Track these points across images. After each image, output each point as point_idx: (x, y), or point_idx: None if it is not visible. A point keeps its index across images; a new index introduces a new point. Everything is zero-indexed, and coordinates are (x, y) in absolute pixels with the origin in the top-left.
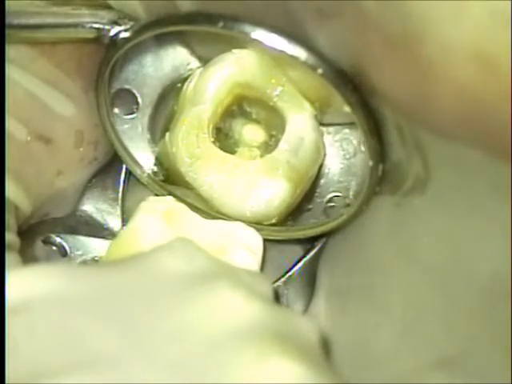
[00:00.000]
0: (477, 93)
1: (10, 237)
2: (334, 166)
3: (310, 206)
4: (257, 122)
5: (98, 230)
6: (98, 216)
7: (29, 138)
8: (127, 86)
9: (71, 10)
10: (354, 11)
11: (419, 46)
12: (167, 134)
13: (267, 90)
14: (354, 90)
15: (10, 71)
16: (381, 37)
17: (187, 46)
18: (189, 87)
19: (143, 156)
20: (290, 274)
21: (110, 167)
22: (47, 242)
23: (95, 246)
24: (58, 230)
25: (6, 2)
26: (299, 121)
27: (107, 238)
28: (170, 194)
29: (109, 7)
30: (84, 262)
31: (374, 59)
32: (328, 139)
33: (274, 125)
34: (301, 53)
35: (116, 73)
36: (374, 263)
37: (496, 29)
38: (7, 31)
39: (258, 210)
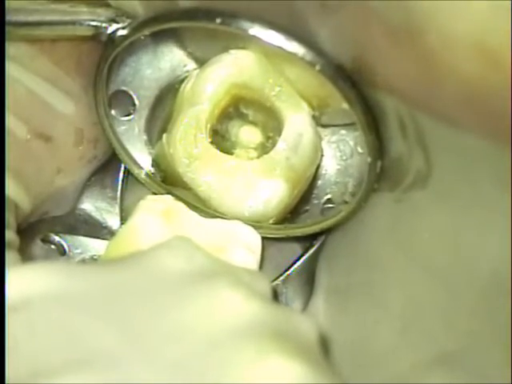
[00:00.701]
0: (479, 82)
1: (10, 235)
2: (330, 167)
3: (307, 207)
4: (253, 123)
5: (96, 228)
6: (96, 214)
7: (29, 136)
8: (124, 88)
9: (69, 8)
10: (357, 5)
11: (422, 38)
12: (164, 135)
13: (265, 90)
14: (352, 86)
15: (10, 69)
16: (384, 29)
17: (184, 47)
18: (186, 88)
19: (140, 158)
20: (288, 272)
21: (109, 166)
22: (46, 240)
23: (94, 245)
24: (57, 228)
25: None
26: (297, 120)
27: (106, 237)
28: (168, 192)
29: (107, 5)
30: (83, 261)
31: (377, 51)
32: (325, 140)
33: (271, 126)
34: (299, 49)
35: (113, 74)
36: (373, 260)
37: (496, 20)
38: (6, 28)
39: (255, 210)
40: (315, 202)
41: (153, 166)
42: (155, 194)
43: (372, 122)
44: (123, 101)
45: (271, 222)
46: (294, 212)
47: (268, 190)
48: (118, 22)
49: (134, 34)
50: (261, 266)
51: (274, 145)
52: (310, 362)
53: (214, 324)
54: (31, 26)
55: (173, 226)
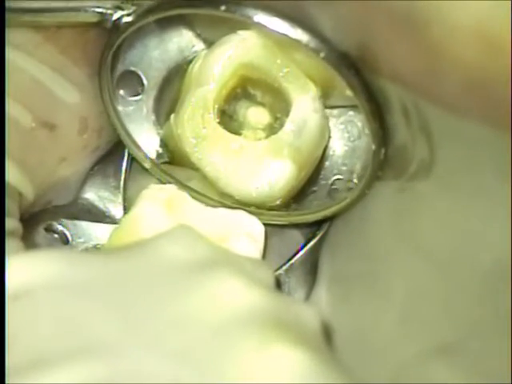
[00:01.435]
0: (480, 70)
1: (13, 223)
2: (338, 148)
3: (315, 189)
4: (261, 104)
5: (99, 217)
6: (99, 204)
7: (33, 125)
8: (132, 68)
9: None
10: None
11: (425, 27)
12: (172, 116)
13: (272, 71)
14: (356, 74)
15: (15, 57)
16: (387, 18)
17: (192, 28)
18: (194, 68)
19: (148, 138)
20: (291, 261)
21: (112, 155)
22: (49, 229)
23: (97, 234)
24: (60, 217)
25: None
26: (304, 102)
27: (109, 226)
28: (172, 178)
29: None
30: (86, 250)
31: (380, 40)
32: (332, 122)
33: (279, 107)
34: (303, 36)
35: (121, 55)
36: (375, 250)
37: (497, 9)
38: (9, 15)
39: (262, 190)
40: (322, 183)
41: (161, 146)
42: (159, 180)
43: (376, 110)
44: (131, 81)
45: (278, 202)
46: (301, 193)
47: (275, 171)
48: (123, 9)
49: (139, 20)
50: (264, 256)
51: (281, 125)
52: (312, 350)
53: (217, 313)
54: (36, 13)
55: (176, 215)
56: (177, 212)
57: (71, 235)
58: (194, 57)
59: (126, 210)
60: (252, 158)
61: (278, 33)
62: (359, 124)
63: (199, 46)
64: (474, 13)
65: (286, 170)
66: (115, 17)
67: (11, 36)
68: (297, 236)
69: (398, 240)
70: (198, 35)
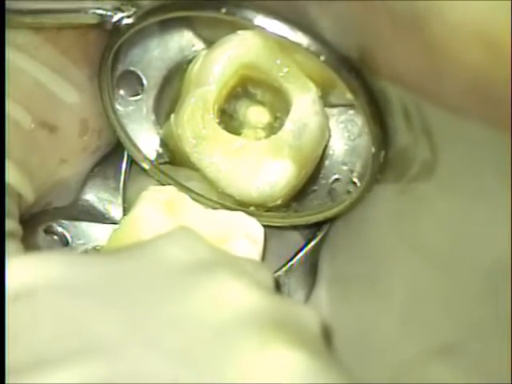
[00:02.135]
0: (481, 71)
1: (12, 224)
2: (338, 147)
3: (315, 188)
4: (261, 103)
5: (99, 219)
6: (99, 205)
7: (33, 126)
8: (132, 68)
9: None
10: None
11: (425, 27)
12: (172, 116)
13: (272, 71)
14: (356, 77)
15: (16, 58)
16: (388, 18)
17: (192, 28)
18: (194, 69)
19: (148, 138)
20: (291, 263)
21: (112, 157)
22: (49, 231)
23: (96, 235)
24: (60, 219)
25: None
26: (304, 102)
27: (109, 228)
28: (172, 180)
29: None
30: (85, 251)
31: (381, 41)
32: (333, 120)
33: (279, 106)
34: (303, 39)
35: (121, 55)
36: (375, 251)
37: (498, 10)
38: (10, 17)
39: (263, 190)
40: (323, 182)
41: (161, 145)
42: (158, 181)
43: (376, 113)
44: (131, 81)
45: (279, 202)
46: (301, 192)
47: (275, 171)
48: (123, 11)
49: (140, 22)
50: (263, 257)
51: (281, 125)
52: (312, 351)
53: (217, 313)
54: (36, 14)
55: (175, 217)
56: (176, 213)
57: (71, 236)
58: (194, 56)
59: (125, 211)
60: (252, 158)
61: (279, 35)
62: (359, 123)
63: (199, 45)
64: (474, 14)
65: (287, 170)
66: (115, 19)
67: (12, 37)
68: (296, 237)
69: (399, 241)
70: (198, 35)
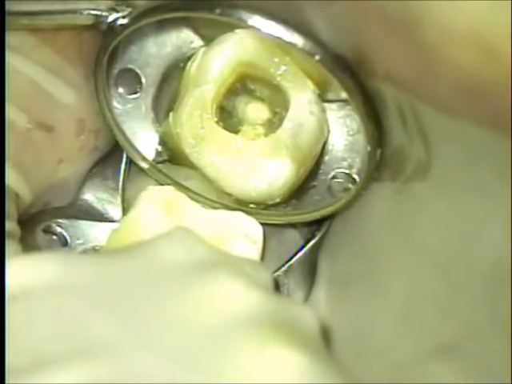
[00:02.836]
0: (477, 73)
1: (11, 225)
2: (337, 142)
3: (315, 183)
4: (260, 99)
5: (98, 219)
6: (98, 205)
7: (30, 126)
8: (130, 66)
9: None
10: None
11: (420, 29)
12: (171, 115)
13: (270, 70)
14: (351, 76)
15: (12, 59)
16: (381, 20)
17: (190, 25)
18: (192, 67)
19: (147, 136)
20: (290, 263)
21: (111, 157)
22: (48, 231)
23: (96, 235)
24: (59, 219)
25: None
26: (303, 100)
27: (107, 227)
28: (170, 179)
29: None
30: (84, 251)
31: (375, 42)
32: (331, 116)
33: (278, 102)
34: (298, 39)
35: (119, 53)
36: (374, 251)
37: (494, 13)
38: (7, 18)
39: (262, 189)
40: (322, 177)
41: (160, 144)
42: (157, 181)
43: (372, 112)
44: (129, 79)
45: (278, 200)
46: (300, 189)
47: (274, 170)
48: (118, 11)
49: (135, 23)
50: (262, 257)
51: (280, 121)
52: (311, 352)
53: (215, 314)
54: (32, 16)
55: (174, 217)
56: (175, 213)
57: (70, 236)
58: (192, 53)
59: (124, 211)
60: (251, 158)
61: (273, 36)
62: (358, 118)
63: (197, 42)
64: (468, 16)
65: (285, 169)
66: (110, 19)
67: (7, 38)
68: (295, 237)
69: (396, 241)
70: (196, 32)
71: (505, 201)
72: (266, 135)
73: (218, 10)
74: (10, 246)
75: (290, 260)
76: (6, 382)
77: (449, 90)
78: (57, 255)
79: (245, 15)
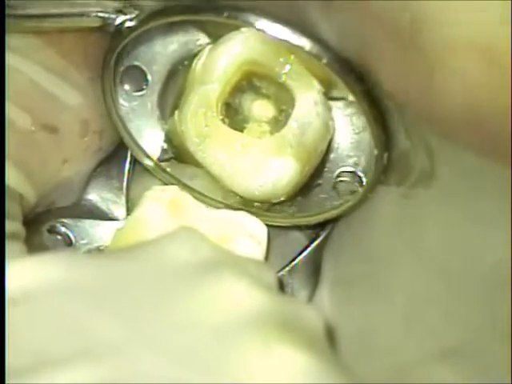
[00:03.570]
0: (479, 87)
1: (15, 226)
2: (343, 140)
3: (320, 182)
4: (266, 97)
5: (102, 218)
6: (102, 205)
7: (33, 128)
8: (136, 63)
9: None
10: (360, 5)
11: (423, 40)
12: (176, 112)
13: (276, 68)
14: (358, 80)
15: (16, 60)
16: (385, 30)
17: (196, 23)
18: (198, 65)
19: (153, 133)
20: (294, 263)
21: (115, 157)
22: (52, 231)
23: (100, 235)
24: (63, 218)
25: None
26: (308, 99)
27: (112, 227)
28: (175, 179)
29: None
30: (89, 251)
31: (378, 53)
32: (337, 114)
33: (284, 100)
34: (305, 43)
35: (125, 50)
36: (377, 253)
37: (496, 25)
38: (12, 21)
39: (266, 188)
40: (328, 176)
41: (165, 141)
42: (161, 181)
43: (378, 115)
44: (135, 76)
45: (282, 199)
46: (306, 186)
47: (278, 169)
48: (125, 14)
49: (142, 25)
50: (267, 257)
51: (286, 118)
52: (315, 351)
53: (220, 314)
54: (39, 18)
55: (179, 217)
56: (180, 213)
57: (74, 236)
58: (199, 51)
59: (128, 211)
60: (256, 156)
61: (281, 39)
62: (364, 116)
63: (204, 40)
64: (471, 28)
65: (290, 168)
66: (118, 21)
67: (12, 40)
68: (300, 238)
69: (401, 244)
70: (203, 29)
71: (505, 207)
72: (271, 133)
73: (225, 14)
74: (15, 247)
75: (293, 260)
76: (7, 382)
77: (449, 111)
78: (59, 256)
79: (252, 18)
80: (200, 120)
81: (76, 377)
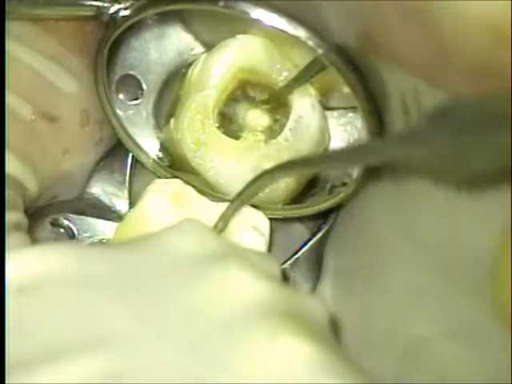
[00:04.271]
0: (490, 63)
1: (18, 216)
2: None
3: (315, 190)
4: (261, 106)
5: (105, 212)
6: (105, 199)
7: (33, 117)
8: (131, 72)
9: None
10: None
11: (432, 18)
12: (172, 120)
13: (272, 75)
14: (354, 71)
15: (14, 48)
16: (394, 7)
17: (191, 30)
18: (193, 73)
19: (148, 142)
20: (296, 256)
21: (117, 150)
22: (55, 224)
23: (103, 228)
24: (66, 212)
25: None
26: (304, 106)
27: (115, 221)
28: (175, 177)
29: None
30: (91, 244)
31: (385, 28)
32: (332, 123)
33: (279, 109)
34: (301, 33)
35: (120, 58)
36: (376, 243)
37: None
38: (8, 8)
39: (263, 196)
40: (322, 184)
41: (161, 150)
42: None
43: (373, 107)
44: (130, 85)
45: (279, 206)
46: (301, 195)
47: None
48: (120, 2)
49: (137, 14)
50: (269, 250)
51: (281, 127)
52: (320, 342)
53: (226, 305)
54: (32, 6)
55: (182, 209)
56: (183, 206)
57: (77, 229)
58: (194, 60)
59: (131, 204)
60: (252, 164)
61: (277, 29)
62: (359, 125)
63: (198, 49)
64: (483, 3)
65: None
66: (112, 10)
67: (10, 28)
68: (302, 230)
69: (396, 233)
70: (197, 38)
71: (501, 194)
72: (266, 142)
73: (221, 3)
74: (18, 238)
75: (296, 253)
76: (7, 381)
77: (460, 73)
78: (65, 246)
79: (248, 8)
80: (197, 127)
81: (88, 366)
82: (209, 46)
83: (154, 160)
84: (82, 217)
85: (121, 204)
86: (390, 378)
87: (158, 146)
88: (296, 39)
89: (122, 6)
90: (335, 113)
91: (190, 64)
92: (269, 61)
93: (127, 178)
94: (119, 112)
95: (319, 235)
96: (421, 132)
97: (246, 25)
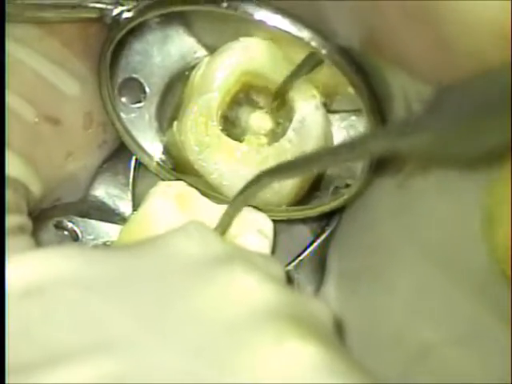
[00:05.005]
0: (493, 63)
1: (22, 219)
2: None
3: (318, 193)
4: (264, 110)
5: (109, 214)
6: (109, 201)
7: (37, 119)
8: (134, 75)
9: None
10: None
11: (436, 19)
12: (175, 123)
13: (275, 78)
14: (357, 71)
15: (18, 51)
16: (397, 8)
17: (193, 33)
18: (196, 76)
19: (151, 145)
20: (300, 258)
21: (121, 152)
22: (59, 226)
23: (107, 231)
24: (70, 214)
25: None
26: (307, 108)
27: (118, 223)
28: (179, 179)
29: None
30: (95, 247)
31: (390, 31)
32: (335, 126)
33: (281, 113)
34: (305, 33)
35: (123, 61)
36: (379, 245)
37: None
38: (11, 11)
39: (266, 198)
40: (326, 186)
41: (164, 153)
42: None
43: (377, 107)
44: (133, 88)
45: (283, 208)
46: (304, 198)
47: None
48: (123, 5)
49: (140, 16)
50: (273, 252)
51: (284, 131)
52: (325, 344)
53: (231, 308)
54: (35, 8)
55: (186, 212)
56: (187, 208)
57: (81, 232)
58: (196, 63)
59: (135, 207)
60: (255, 166)
61: (280, 30)
62: (361, 128)
63: (201, 52)
64: (488, 4)
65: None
66: (115, 12)
67: (13, 30)
68: (305, 232)
69: (400, 235)
70: (200, 41)
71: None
72: (269, 145)
73: (224, 4)
74: (23, 240)
75: (300, 255)
76: (7, 381)
77: (463, 74)
78: (70, 250)
79: (251, 9)
80: (200, 129)
81: (92, 370)
82: (212, 49)
83: (158, 162)
84: (85, 219)
85: (124, 206)
86: (394, 379)
87: (161, 148)
88: (300, 40)
89: (125, 8)
90: (338, 116)
91: (193, 67)
92: (272, 63)
93: (131, 180)
94: (122, 115)
95: (323, 237)
96: (423, 118)
97: (249, 26)
